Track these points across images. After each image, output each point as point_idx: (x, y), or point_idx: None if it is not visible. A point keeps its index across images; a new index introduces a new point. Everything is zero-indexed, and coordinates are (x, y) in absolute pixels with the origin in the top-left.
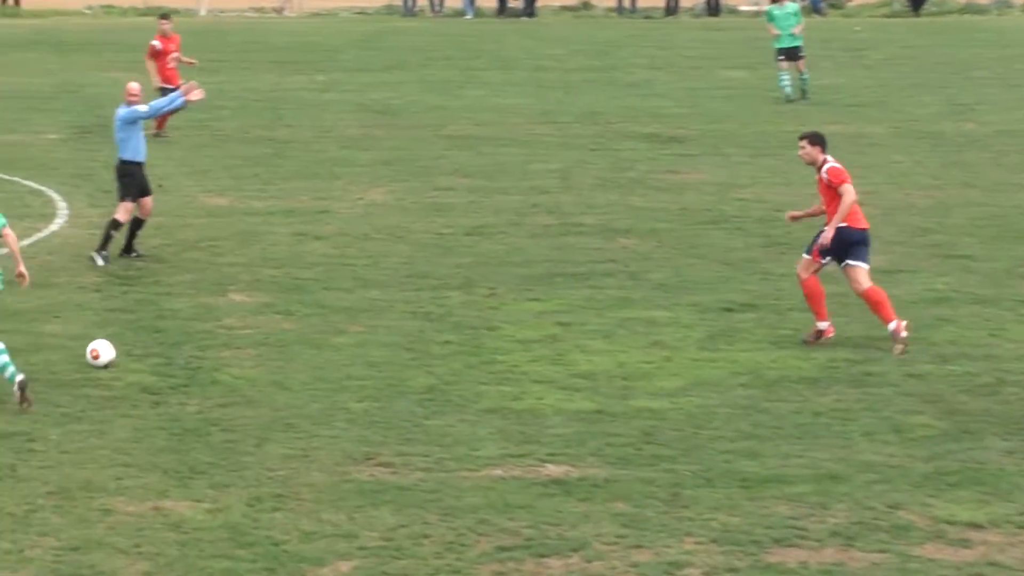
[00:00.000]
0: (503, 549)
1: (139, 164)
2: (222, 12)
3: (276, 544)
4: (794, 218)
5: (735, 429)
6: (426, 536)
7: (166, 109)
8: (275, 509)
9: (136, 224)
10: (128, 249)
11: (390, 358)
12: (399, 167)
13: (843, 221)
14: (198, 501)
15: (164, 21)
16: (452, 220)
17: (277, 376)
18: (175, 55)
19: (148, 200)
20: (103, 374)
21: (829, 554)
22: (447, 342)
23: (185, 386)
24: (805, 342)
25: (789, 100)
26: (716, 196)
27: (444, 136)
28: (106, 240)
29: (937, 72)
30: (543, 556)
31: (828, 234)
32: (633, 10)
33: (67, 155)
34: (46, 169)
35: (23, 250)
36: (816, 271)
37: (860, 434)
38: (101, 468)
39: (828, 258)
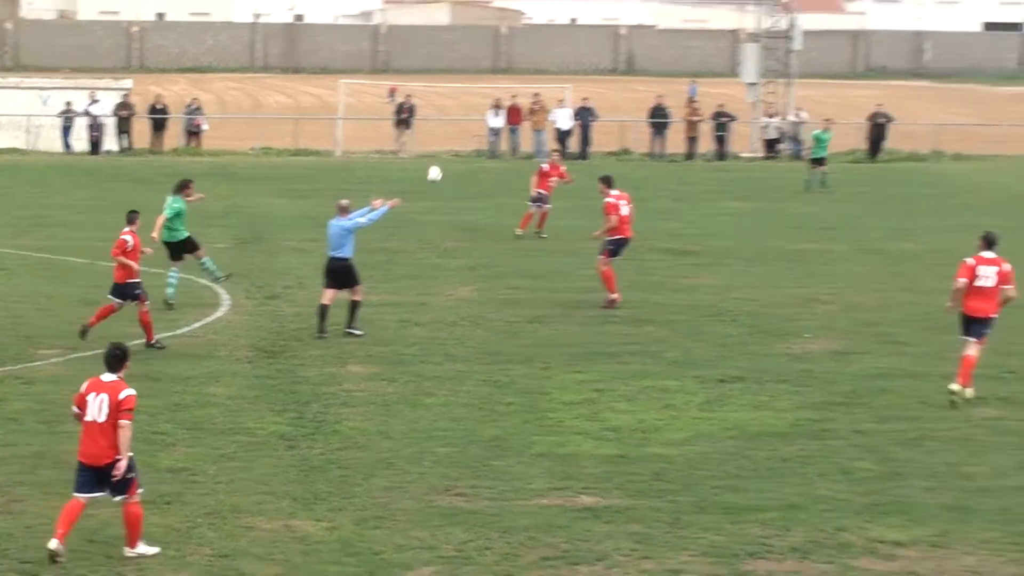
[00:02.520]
0: (546, 559)
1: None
2: (353, 153)
3: (376, 554)
4: (596, 236)
5: (723, 470)
6: (488, 548)
7: (376, 219)
8: (376, 527)
9: (354, 305)
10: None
11: (467, 415)
12: (481, 271)
13: (616, 233)
14: (318, 521)
15: None
16: (519, 311)
17: (382, 428)
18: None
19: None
20: (251, 424)
21: (789, 565)
22: (510, 403)
23: (312, 434)
24: (603, 307)
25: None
26: (718, 296)
27: (515, 248)
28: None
29: (886, 204)
30: (575, 564)
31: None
32: (661, 155)
33: (230, 259)
34: None
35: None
36: (606, 264)
37: (816, 475)
38: (246, 495)
39: (612, 257)
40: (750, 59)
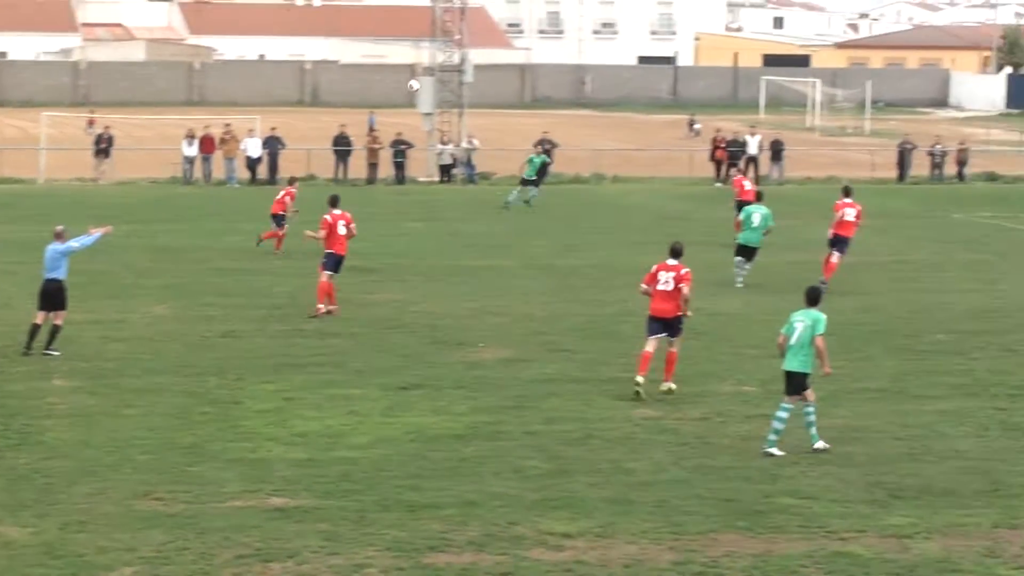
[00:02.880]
0: (240, 557)
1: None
2: (55, 180)
3: (79, 556)
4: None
5: (405, 471)
6: (186, 548)
7: (89, 244)
8: (79, 531)
9: (55, 329)
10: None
11: (164, 424)
12: (177, 290)
13: (328, 248)
14: (24, 527)
15: None
16: (212, 327)
17: (84, 437)
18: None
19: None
20: None
21: (467, 557)
22: (205, 412)
23: (18, 445)
24: (311, 316)
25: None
26: (398, 309)
27: (210, 268)
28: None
29: (552, 223)
30: (268, 561)
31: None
32: (345, 180)
33: None
34: None
35: None
36: (329, 280)
37: (491, 473)
38: None
39: (328, 271)
40: (425, 91)
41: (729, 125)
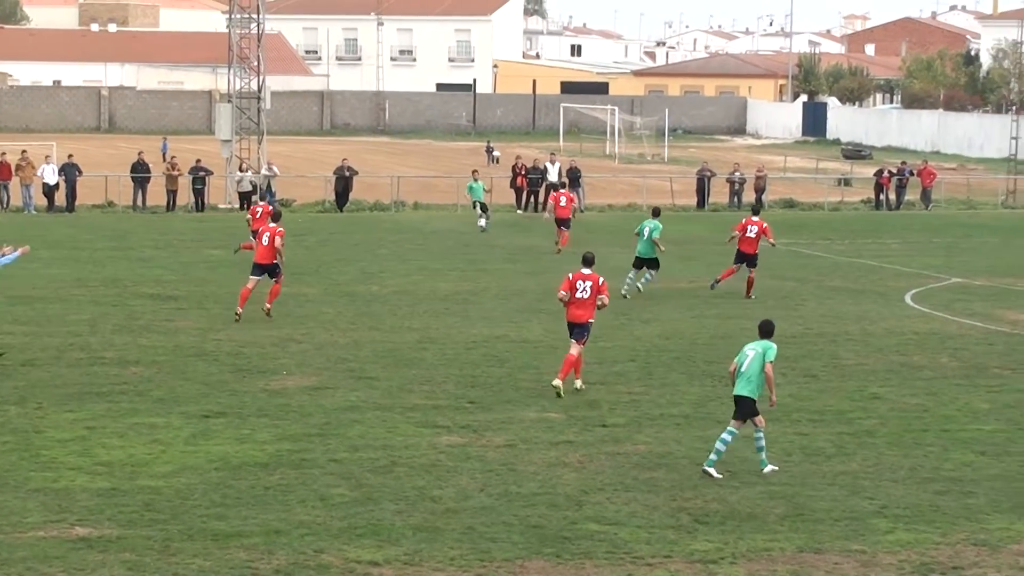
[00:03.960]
0: None
1: None
2: None
3: None
4: None
5: (209, 500)
6: None
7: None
8: None
9: None
10: None
11: None
12: None
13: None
14: None
15: None
16: (10, 356)
17: None
18: None
19: None
20: None
21: None
22: (6, 442)
23: None
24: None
25: None
26: (200, 337)
27: (8, 296)
28: None
29: (353, 251)
30: None
31: None
32: (144, 207)
33: None
34: None
35: None
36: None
37: (296, 501)
38: None
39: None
40: (224, 118)
41: (528, 152)
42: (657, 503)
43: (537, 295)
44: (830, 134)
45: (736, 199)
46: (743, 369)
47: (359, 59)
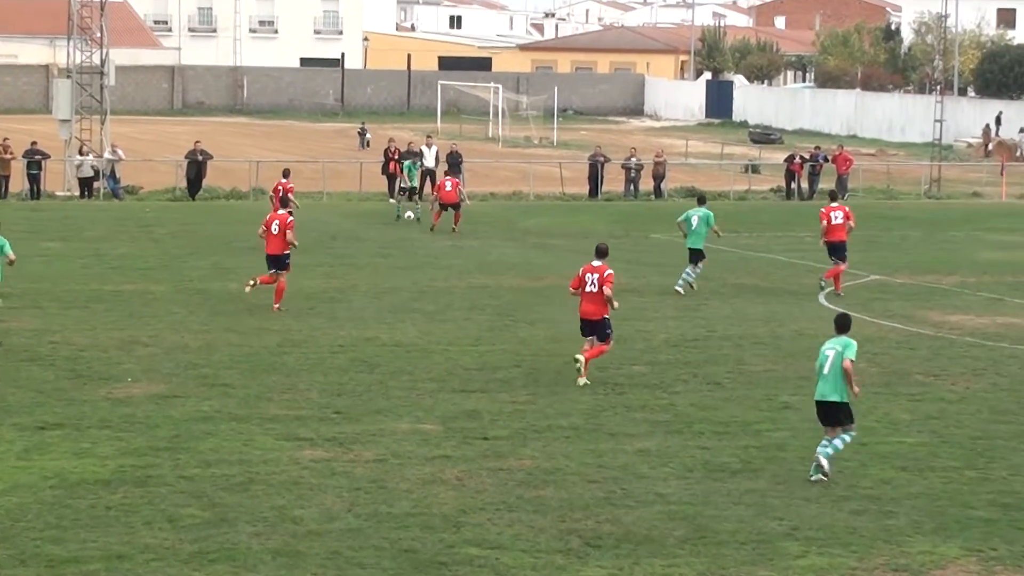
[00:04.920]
0: None
1: None
2: None
3: None
4: None
5: (44, 521)
6: None
7: None
8: None
9: None
10: None
11: None
12: None
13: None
14: None
15: None
16: None
17: None
18: None
19: None
20: None
21: None
22: None
23: None
24: None
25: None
26: (34, 340)
27: None
28: None
29: (207, 244)
30: None
31: None
32: None
33: None
34: None
35: None
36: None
37: (141, 523)
38: None
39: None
40: (62, 95)
41: (403, 135)
42: (544, 525)
43: (412, 293)
44: (736, 116)
45: (633, 187)
46: (825, 372)
47: (214, 31)
